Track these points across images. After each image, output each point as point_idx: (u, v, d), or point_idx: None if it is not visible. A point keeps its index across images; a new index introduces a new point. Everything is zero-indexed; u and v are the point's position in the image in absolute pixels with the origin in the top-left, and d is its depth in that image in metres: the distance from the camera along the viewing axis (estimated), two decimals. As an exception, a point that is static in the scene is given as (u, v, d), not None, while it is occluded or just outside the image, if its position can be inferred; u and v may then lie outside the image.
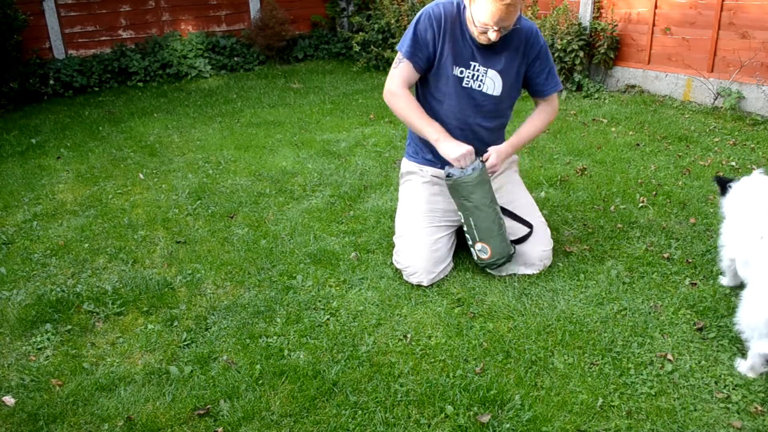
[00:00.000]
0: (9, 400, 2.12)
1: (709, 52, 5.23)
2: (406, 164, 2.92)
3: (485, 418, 1.94)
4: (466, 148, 2.54)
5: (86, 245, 3.25)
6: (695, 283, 2.64)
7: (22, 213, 3.71)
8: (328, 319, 2.50)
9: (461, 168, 2.55)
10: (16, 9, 6.43)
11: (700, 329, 2.34)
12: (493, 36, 2.48)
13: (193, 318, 2.56)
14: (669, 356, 2.20)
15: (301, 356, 2.28)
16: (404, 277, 2.72)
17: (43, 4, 7.01)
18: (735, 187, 2.46)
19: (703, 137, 4.50)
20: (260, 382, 2.15)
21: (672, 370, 2.13)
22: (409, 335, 2.37)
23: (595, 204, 3.45)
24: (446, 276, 2.75)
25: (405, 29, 2.66)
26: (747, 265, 2.24)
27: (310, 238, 3.19)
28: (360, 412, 2.00)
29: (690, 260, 2.82)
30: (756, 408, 1.95)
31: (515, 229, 2.75)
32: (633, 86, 5.87)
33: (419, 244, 2.69)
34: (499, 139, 2.82)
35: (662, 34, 5.57)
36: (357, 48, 7.48)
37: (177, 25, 7.82)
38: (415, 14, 2.66)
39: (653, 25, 5.61)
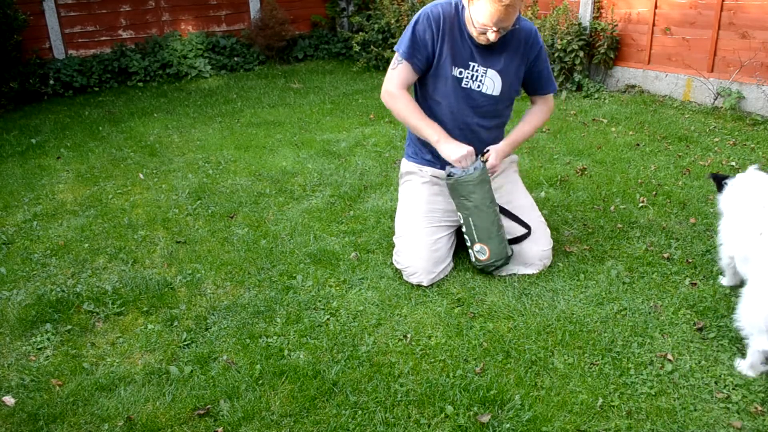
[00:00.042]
0: (9, 400, 2.12)
1: (709, 52, 5.23)
2: (406, 164, 2.92)
3: (485, 418, 1.94)
4: (466, 149, 2.56)
5: (86, 245, 3.25)
6: (695, 283, 2.64)
7: (22, 213, 3.71)
8: (328, 319, 2.50)
9: (463, 168, 2.57)
10: (16, 9, 6.43)
11: (700, 329, 2.34)
12: (492, 37, 2.48)
13: (193, 318, 2.56)
14: (669, 356, 2.20)
15: (301, 356, 2.28)
16: (404, 277, 2.72)
17: (43, 4, 7.01)
18: (731, 184, 2.47)
19: (703, 137, 4.50)
20: (260, 382, 2.15)
21: (672, 370, 2.13)
22: (409, 335, 2.37)
23: (595, 204, 3.45)
24: (446, 276, 2.75)
25: (405, 29, 2.65)
26: (746, 262, 2.25)
27: (310, 238, 3.19)
28: (360, 412, 2.00)
29: (690, 260, 2.82)
30: (756, 408, 1.95)
31: (513, 229, 2.75)
32: (633, 86, 5.87)
33: (419, 244, 2.69)
34: (499, 138, 2.82)
35: (662, 34, 5.58)
36: (357, 48, 7.48)
37: (177, 25, 7.82)
38: (415, 14, 2.66)
39: (653, 25, 5.61)
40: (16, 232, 3.45)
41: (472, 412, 1.97)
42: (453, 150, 2.56)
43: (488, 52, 2.62)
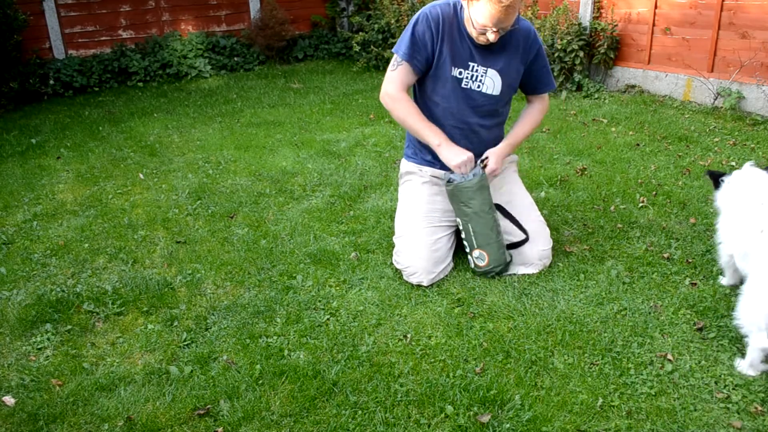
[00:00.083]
0: (9, 400, 2.12)
1: (709, 52, 5.23)
2: (406, 165, 2.92)
3: (485, 418, 1.94)
4: (467, 155, 2.59)
5: (86, 245, 3.25)
6: (695, 283, 2.64)
7: (22, 213, 3.71)
8: (328, 319, 2.50)
9: (462, 174, 2.59)
10: (16, 9, 6.43)
11: (700, 329, 2.34)
12: (492, 37, 2.48)
13: (193, 318, 2.56)
14: (669, 356, 2.20)
15: (301, 356, 2.28)
16: (404, 277, 2.72)
17: (43, 4, 7.01)
18: (728, 181, 2.48)
19: (703, 137, 4.50)
20: (260, 382, 2.15)
21: (672, 370, 2.13)
22: (409, 335, 2.37)
23: (595, 204, 3.45)
24: (446, 276, 2.75)
25: (404, 30, 2.65)
26: (746, 258, 2.25)
27: (310, 238, 3.19)
28: (360, 412, 2.00)
29: (690, 260, 2.82)
30: (756, 408, 1.95)
31: (511, 234, 2.76)
32: (633, 86, 5.87)
33: (419, 244, 2.69)
34: (499, 137, 2.84)
35: (662, 34, 5.58)
36: (357, 48, 7.48)
37: (177, 25, 7.82)
38: (414, 14, 2.66)
39: (653, 25, 5.61)
40: (16, 232, 3.45)
41: (472, 412, 1.97)
42: (453, 155, 2.60)
43: (488, 52, 2.62)
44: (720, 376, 2.10)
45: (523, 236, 2.73)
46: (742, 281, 2.32)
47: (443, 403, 2.02)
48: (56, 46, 7.21)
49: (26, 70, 6.71)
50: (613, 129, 4.81)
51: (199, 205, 3.70)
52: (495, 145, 2.80)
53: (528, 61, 2.70)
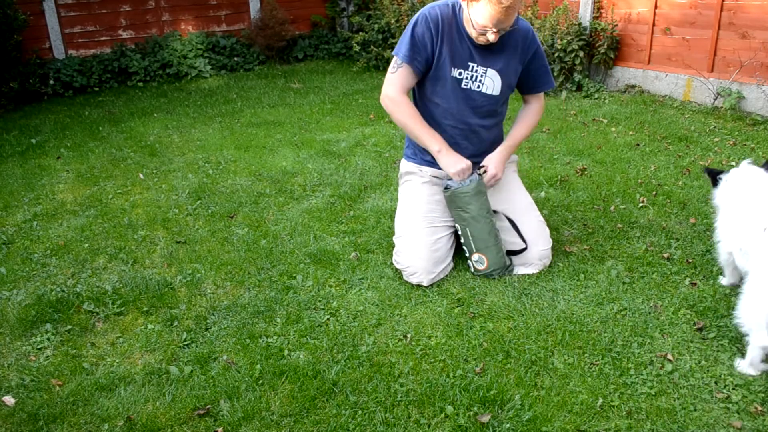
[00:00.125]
0: (9, 400, 2.12)
1: (709, 52, 5.23)
2: (405, 165, 2.92)
3: (485, 418, 1.94)
4: (465, 163, 2.65)
5: (86, 245, 3.25)
6: (695, 283, 2.64)
7: (22, 213, 3.71)
8: (328, 319, 2.50)
9: (460, 180, 2.65)
10: (16, 9, 6.43)
11: (700, 329, 2.34)
12: (492, 37, 2.48)
13: (193, 318, 2.56)
14: (669, 356, 2.20)
15: (301, 356, 2.28)
16: (404, 277, 2.72)
17: (43, 4, 7.01)
18: (726, 179, 2.49)
19: (703, 137, 4.50)
20: (260, 382, 2.15)
21: (672, 370, 2.13)
22: (409, 335, 2.37)
23: (595, 204, 3.45)
24: (446, 276, 2.75)
25: (403, 32, 2.65)
26: (746, 257, 2.25)
27: (310, 238, 3.19)
28: (360, 412, 2.00)
29: (690, 260, 2.82)
30: (756, 408, 1.95)
31: (512, 238, 2.76)
32: (633, 86, 5.87)
33: (419, 244, 2.70)
34: (499, 136, 2.86)
35: (662, 34, 5.57)
36: (357, 48, 7.48)
37: (177, 25, 7.82)
38: (414, 14, 2.66)
39: (653, 25, 5.61)
40: (16, 232, 3.45)
41: (472, 412, 1.97)
42: (453, 163, 2.64)
43: (487, 52, 2.63)
44: (720, 376, 2.10)
45: (522, 245, 2.75)
46: (742, 280, 2.32)
47: (443, 403, 2.02)
48: (56, 46, 7.21)
49: (26, 70, 6.71)
50: (613, 129, 4.81)
51: (199, 205, 3.70)
52: (495, 144, 2.81)
53: (526, 60, 2.70)
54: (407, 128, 2.71)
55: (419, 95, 2.77)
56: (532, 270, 2.75)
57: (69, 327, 2.53)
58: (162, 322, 2.53)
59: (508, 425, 1.92)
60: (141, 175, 4.27)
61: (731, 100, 4.95)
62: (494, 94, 2.69)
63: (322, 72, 7.58)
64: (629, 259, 2.85)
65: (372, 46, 7.52)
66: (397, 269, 2.80)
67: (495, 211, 2.78)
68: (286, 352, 2.30)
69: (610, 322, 2.40)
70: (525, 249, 2.75)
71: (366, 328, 2.43)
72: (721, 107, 5.06)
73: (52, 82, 6.93)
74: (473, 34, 2.53)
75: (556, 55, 5.92)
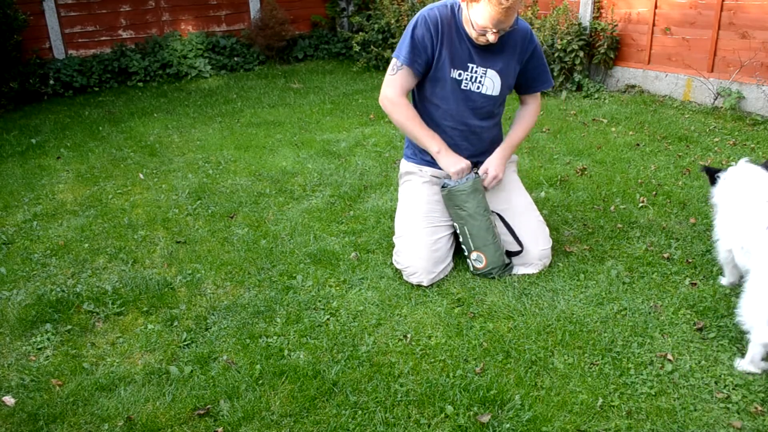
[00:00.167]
0: (9, 400, 2.12)
1: (709, 52, 5.23)
2: (405, 165, 2.92)
3: (485, 418, 1.94)
4: (465, 163, 2.67)
5: (86, 245, 3.25)
6: (695, 283, 2.64)
7: (22, 213, 3.71)
8: (328, 319, 2.50)
9: (457, 180, 2.67)
10: (16, 9, 6.43)
11: (700, 329, 2.34)
12: (491, 38, 2.48)
13: (193, 318, 2.56)
14: (669, 356, 2.20)
15: (301, 356, 2.28)
16: (404, 277, 2.72)
17: (43, 4, 7.01)
18: (724, 177, 2.50)
19: (703, 137, 4.50)
20: (260, 382, 2.15)
21: (672, 370, 2.13)
22: (409, 335, 2.37)
23: (595, 204, 3.45)
24: (446, 276, 2.75)
25: (403, 34, 2.65)
26: (747, 255, 2.25)
27: (310, 238, 3.19)
28: (360, 412, 2.00)
29: (690, 260, 2.82)
30: (756, 408, 1.95)
31: (508, 240, 2.76)
32: (633, 86, 5.87)
33: (419, 244, 2.70)
34: (498, 136, 2.87)
35: (662, 34, 5.57)
36: (357, 48, 7.48)
37: (177, 25, 7.82)
38: (414, 14, 2.66)
39: (653, 25, 5.61)
40: (16, 232, 3.45)
41: (472, 412, 1.97)
42: (452, 163, 2.66)
43: (487, 53, 2.63)
44: (720, 376, 2.10)
45: (518, 248, 2.75)
46: (741, 279, 2.32)
47: (443, 403, 2.02)
48: (56, 46, 7.21)
49: (26, 70, 6.71)
50: (613, 129, 4.81)
51: (199, 205, 3.70)
52: (494, 144, 2.81)
53: (524, 60, 2.70)
54: (406, 129, 2.71)
55: (419, 97, 2.77)
56: (532, 270, 2.75)
57: (69, 327, 2.53)
58: (162, 322, 2.53)
59: (508, 425, 1.92)
60: (141, 175, 4.27)
61: (731, 100, 4.95)
62: (494, 94, 2.69)
63: (322, 72, 7.58)
64: (629, 259, 2.85)
65: (372, 46, 7.52)
66: (397, 269, 2.80)
67: (492, 212, 2.78)
68: (286, 352, 2.30)
69: (610, 322, 2.40)
70: (520, 251, 2.74)
71: (366, 328, 2.43)
72: (721, 107, 5.06)
73: (52, 82, 6.93)
74: (473, 34, 2.53)
75: (556, 55, 5.92)
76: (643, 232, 3.10)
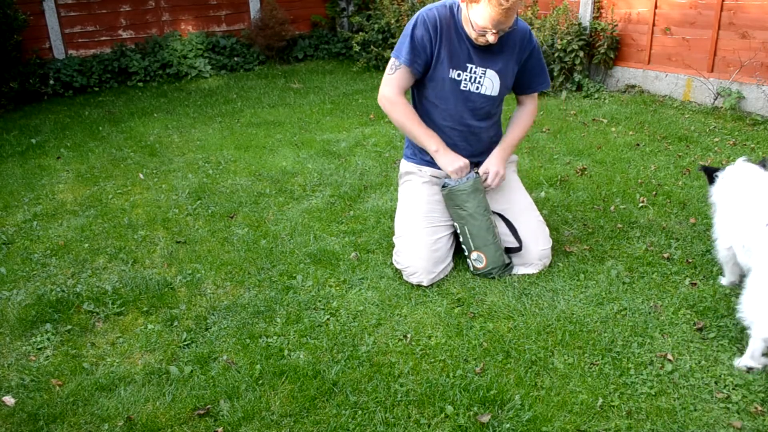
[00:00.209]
0: (9, 400, 2.12)
1: (709, 52, 5.23)
2: (405, 165, 2.92)
3: (485, 418, 1.94)
4: (463, 162, 2.66)
5: (86, 245, 3.25)
6: (695, 283, 2.64)
7: (22, 213, 3.71)
8: (328, 319, 2.50)
9: (457, 179, 2.67)
10: (16, 9, 6.43)
11: (700, 329, 2.34)
12: (491, 39, 2.48)
13: (193, 318, 2.56)
14: (669, 356, 2.20)
15: (301, 356, 2.28)
16: (404, 277, 2.72)
17: (43, 4, 7.01)
18: (722, 177, 2.52)
19: (703, 137, 4.50)
20: (260, 382, 2.15)
21: (672, 370, 2.13)
22: (409, 335, 2.37)
23: (595, 204, 3.45)
24: (446, 276, 2.75)
25: (402, 33, 2.66)
26: (749, 252, 2.26)
27: (310, 238, 3.19)
28: (360, 412, 2.00)
29: (690, 260, 2.82)
30: (756, 408, 1.95)
31: (508, 238, 2.76)
32: (633, 86, 5.87)
33: (419, 244, 2.70)
34: (497, 135, 2.87)
35: (662, 34, 5.58)
36: (357, 48, 7.48)
37: (177, 25, 7.83)
38: (414, 14, 2.66)
39: (653, 25, 5.61)
40: (16, 232, 3.45)
41: (472, 412, 1.97)
42: (450, 162, 2.66)
43: (486, 53, 2.63)
44: (720, 376, 2.10)
45: (516, 245, 2.75)
46: (742, 278, 2.32)
47: (443, 403, 2.02)
48: (56, 46, 7.21)
49: (26, 70, 6.71)
50: (613, 129, 4.81)
51: (199, 205, 3.70)
52: (493, 144, 2.81)
53: (522, 60, 2.70)
54: (404, 128, 2.71)
55: (418, 96, 2.77)
56: (532, 270, 2.75)
57: (69, 327, 2.53)
58: (162, 322, 2.53)
59: (508, 425, 1.92)
60: (141, 175, 4.27)
61: (731, 100, 4.95)
62: (493, 95, 2.70)
63: (322, 72, 7.58)
64: (629, 259, 2.85)
65: (372, 46, 7.52)
66: (397, 269, 2.80)
67: (493, 212, 2.78)
68: (286, 352, 2.30)
69: (610, 322, 2.40)
70: (519, 249, 2.74)
71: (366, 328, 2.43)
72: (721, 107, 5.06)
73: (52, 82, 6.93)
74: (472, 35, 2.53)
75: (556, 55, 5.92)
76: (643, 232, 3.10)
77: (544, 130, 4.82)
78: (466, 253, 2.75)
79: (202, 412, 2.02)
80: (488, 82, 2.66)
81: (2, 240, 3.35)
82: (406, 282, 2.71)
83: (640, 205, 3.42)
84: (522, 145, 4.41)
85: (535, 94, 2.88)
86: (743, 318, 2.13)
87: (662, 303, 2.52)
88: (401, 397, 2.06)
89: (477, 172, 2.72)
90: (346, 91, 6.54)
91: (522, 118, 2.86)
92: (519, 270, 2.75)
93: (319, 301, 2.63)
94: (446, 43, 2.59)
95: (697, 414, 1.95)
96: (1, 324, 2.57)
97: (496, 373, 2.14)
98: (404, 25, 2.64)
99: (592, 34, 5.99)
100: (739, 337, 2.24)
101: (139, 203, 3.79)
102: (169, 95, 6.73)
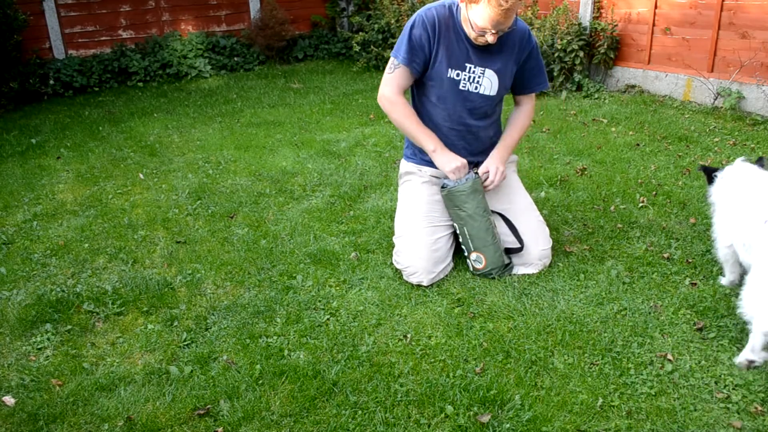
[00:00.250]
0: (9, 400, 2.12)
1: (709, 52, 5.23)
2: (405, 165, 2.92)
3: (485, 418, 1.94)
4: (460, 161, 2.66)
5: (86, 245, 3.25)
6: (695, 283, 2.64)
7: (22, 213, 3.71)
8: (328, 319, 2.51)
9: (456, 179, 2.66)
10: (16, 9, 6.43)
11: (700, 329, 2.34)
12: (490, 39, 2.49)
13: (193, 318, 2.56)
14: (669, 356, 2.20)
15: (301, 356, 2.28)
16: (404, 277, 2.72)
17: (43, 4, 7.01)
18: (721, 176, 2.55)
19: (703, 137, 4.50)
20: (260, 382, 2.15)
21: (672, 370, 2.14)
22: (409, 335, 2.37)
23: (595, 204, 3.45)
24: (446, 276, 2.75)
25: (401, 33, 2.66)
26: (749, 249, 2.27)
27: (310, 238, 3.19)
28: (360, 412, 2.00)
29: (690, 260, 2.82)
30: (756, 408, 1.95)
31: (509, 238, 2.76)
32: (633, 86, 5.87)
33: (419, 244, 2.70)
34: (496, 134, 2.86)
35: (662, 34, 5.58)
36: (357, 48, 7.48)
37: (177, 25, 7.83)
38: (414, 14, 2.67)
39: (653, 25, 5.61)
40: (16, 232, 3.45)
41: (472, 412, 1.97)
42: (447, 161, 2.66)
43: (485, 53, 2.63)
44: (720, 376, 2.10)
45: (518, 245, 2.75)
46: (742, 276, 2.33)
47: (443, 403, 2.02)
48: (56, 46, 7.21)
49: (26, 70, 6.71)
50: (613, 129, 4.81)
51: (199, 205, 3.70)
52: (492, 143, 2.81)
53: (521, 60, 2.70)
54: (403, 128, 2.72)
55: (417, 96, 2.78)
56: (532, 270, 2.75)
57: (69, 327, 2.53)
58: (162, 322, 2.53)
59: (508, 425, 1.92)
60: (141, 175, 4.27)
61: (731, 100, 4.95)
62: (491, 94, 2.70)
63: (322, 72, 7.58)
64: (629, 259, 2.85)
65: (372, 46, 7.52)
66: (397, 269, 2.80)
67: (492, 212, 2.78)
68: (286, 352, 2.30)
69: (610, 322, 2.40)
70: (521, 249, 2.74)
71: (366, 328, 2.43)
72: (721, 107, 5.06)
73: (52, 82, 6.93)
74: (472, 35, 2.53)
75: (556, 55, 5.92)
76: (643, 232, 3.10)
77: (544, 130, 4.82)
78: (466, 254, 2.75)
79: (202, 412, 2.02)
80: (487, 81, 2.66)
81: (2, 240, 3.35)
82: (406, 282, 2.71)
83: (640, 205, 3.42)
84: (522, 145, 4.41)
85: (533, 95, 2.88)
86: (744, 313, 2.14)
87: (662, 303, 2.52)
88: (401, 397, 2.06)
89: (476, 173, 2.71)
90: (346, 91, 6.54)
91: (520, 118, 2.86)
92: (519, 270, 2.75)
93: (319, 301, 2.63)
94: (445, 42, 2.59)
95: (697, 414, 1.95)
96: (1, 324, 2.57)
97: (496, 373, 2.14)
98: (404, 25, 2.64)
99: (592, 34, 5.99)
100: (739, 338, 2.24)
101: (139, 203, 3.79)
102: (169, 95, 6.73)
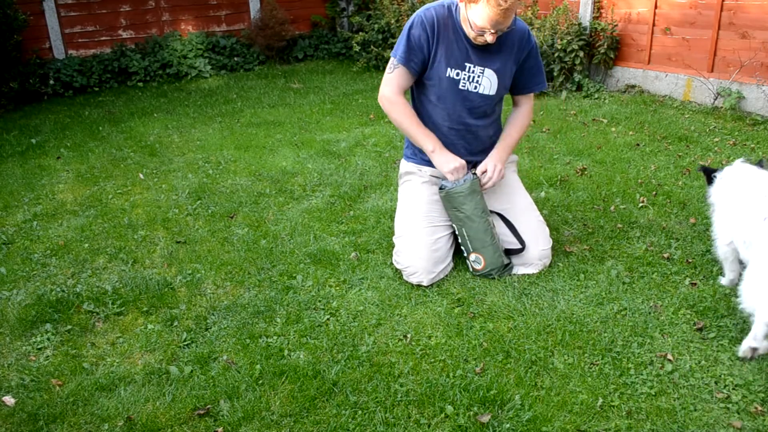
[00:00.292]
0: (9, 400, 2.12)
1: (709, 52, 5.23)
2: (405, 165, 2.92)
3: (485, 418, 1.94)
4: (459, 162, 2.66)
5: (86, 245, 3.25)
6: (695, 283, 2.64)
7: (22, 213, 3.71)
8: (328, 319, 2.51)
9: (454, 180, 2.66)
10: (16, 9, 6.43)
11: (700, 329, 2.34)
12: (490, 39, 2.49)
13: (193, 318, 2.56)
14: (669, 356, 2.20)
15: (301, 356, 2.28)
16: (404, 277, 2.72)
17: (43, 4, 7.01)
18: (720, 177, 2.57)
19: (703, 137, 4.50)
20: (260, 382, 2.15)
21: (672, 370, 2.14)
22: (409, 335, 2.37)
23: (595, 204, 3.45)
24: (446, 276, 2.75)
25: (401, 32, 2.67)
26: (749, 246, 2.29)
27: (310, 238, 3.19)
28: (360, 412, 2.00)
29: (690, 260, 2.82)
30: (756, 408, 1.95)
31: (509, 239, 2.76)
32: (633, 86, 5.87)
33: (419, 244, 2.70)
34: (496, 133, 2.86)
35: (662, 34, 5.58)
36: (357, 48, 7.48)
37: (177, 25, 7.83)
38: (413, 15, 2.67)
39: (653, 25, 5.61)
40: (16, 232, 3.45)
41: (472, 412, 1.97)
42: (446, 162, 2.66)
43: (484, 52, 2.63)
44: (720, 376, 2.10)
45: (519, 246, 2.75)
46: (742, 275, 2.34)
47: (443, 403, 2.02)
48: (56, 46, 7.21)
49: (26, 70, 6.71)
50: (613, 129, 4.81)
51: (199, 205, 3.70)
52: (492, 143, 2.81)
53: (520, 59, 2.70)
54: (403, 127, 2.72)
55: (417, 96, 2.78)
56: (532, 270, 2.75)
57: (69, 327, 2.53)
58: (162, 322, 2.53)
59: (508, 425, 1.92)
60: (141, 175, 4.27)
61: (731, 100, 4.95)
62: (491, 94, 2.70)
63: (322, 72, 7.58)
64: (629, 259, 2.85)
65: (372, 46, 7.52)
66: (397, 269, 2.80)
67: (492, 212, 2.78)
68: (286, 352, 2.30)
69: (610, 322, 2.40)
70: (522, 249, 2.74)
71: (366, 328, 2.43)
72: (721, 107, 5.06)
73: (52, 82, 6.93)
74: (471, 34, 2.53)
75: (556, 55, 5.92)
76: (643, 232, 3.10)
77: (544, 130, 4.82)
78: (465, 254, 2.75)
79: (202, 412, 2.02)
80: (486, 81, 2.66)
81: (2, 240, 3.35)
82: (406, 282, 2.71)
83: (640, 205, 3.42)
84: (522, 145, 4.41)
85: (532, 95, 2.88)
86: (745, 307, 2.16)
87: (662, 303, 2.52)
88: (401, 397, 2.06)
89: (474, 173, 2.71)
90: (346, 91, 6.54)
91: (519, 118, 2.85)
92: (519, 270, 2.75)
93: (319, 301, 2.63)
94: (444, 42, 2.59)
95: (697, 414, 1.95)
96: (1, 324, 2.58)
97: (496, 373, 2.14)
98: (404, 25, 2.64)
99: (592, 34, 5.99)
100: (739, 338, 2.24)
101: (139, 203, 3.79)
102: (169, 95, 6.73)
